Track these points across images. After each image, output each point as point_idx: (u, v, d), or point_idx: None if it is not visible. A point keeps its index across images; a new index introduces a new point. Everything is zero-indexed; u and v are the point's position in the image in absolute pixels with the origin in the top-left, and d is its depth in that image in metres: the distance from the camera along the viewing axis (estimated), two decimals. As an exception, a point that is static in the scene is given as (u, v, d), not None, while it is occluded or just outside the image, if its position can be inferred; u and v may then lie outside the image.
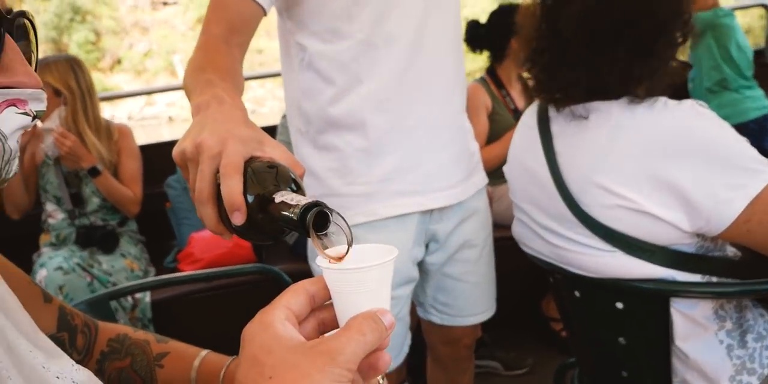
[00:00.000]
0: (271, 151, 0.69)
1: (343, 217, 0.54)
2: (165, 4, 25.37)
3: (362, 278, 0.50)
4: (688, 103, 1.09)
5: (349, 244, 0.54)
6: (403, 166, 1.30)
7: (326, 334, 0.51)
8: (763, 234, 1.04)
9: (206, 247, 2.45)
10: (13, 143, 0.54)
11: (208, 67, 0.95)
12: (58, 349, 0.75)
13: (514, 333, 2.64)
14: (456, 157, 1.38)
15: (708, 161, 1.04)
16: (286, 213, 0.57)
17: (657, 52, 1.09)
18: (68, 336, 0.88)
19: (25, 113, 0.54)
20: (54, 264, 2.18)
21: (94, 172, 2.36)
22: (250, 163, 0.66)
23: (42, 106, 0.56)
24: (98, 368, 0.92)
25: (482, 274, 1.53)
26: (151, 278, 2.39)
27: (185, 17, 25.89)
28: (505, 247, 2.19)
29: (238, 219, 0.62)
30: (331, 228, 0.55)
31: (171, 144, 3.11)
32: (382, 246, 0.54)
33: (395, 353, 1.44)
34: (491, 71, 2.67)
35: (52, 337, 0.80)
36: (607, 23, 1.08)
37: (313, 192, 1.32)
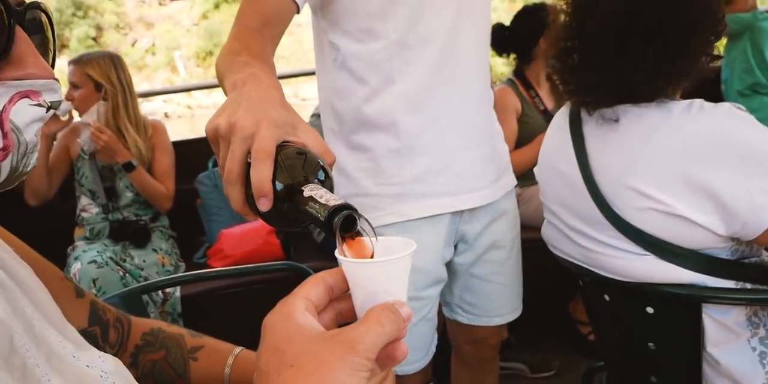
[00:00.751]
0: (305, 136, 0.69)
1: (369, 223, 0.54)
2: None
3: (380, 271, 0.51)
4: (726, 106, 1.07)
5: (373, 251, 0.54)
6: (435, 167, 1.31)
7: (346, 326, 0.51)
8: None
9: (236, 243, 2.48)
10: (29, 136, 0.55)
11: (243, 51, 0.94)
12: (86, 342, 0.77)
13: (541, 335, 2.62)
14: (486, 159, 1.38)
15: (744, 165, 1.02)
16: (313, 210, 0.56)
17: (687, 52, 1.07)
18: (100, 330, 0.89)
19: (39, 104, 0.54)
20: (88, 257, 2.23)
21: (128, 166, 2.41)
22: (281, 148, 0.66)
23: (56, 97, 0.56)
24: (132, 362, 0.94)
25: (509, 274, 1.53)
26: (182, 273, 2.43)
27: (191, 12, 26.03)
28: (533, 249, 2.18)
29: (264, 205, 0.62)
30: (360, 234, 0.55)
31: (203, 141, 3.15)
32: (402, 239, 0.54)
33: (423, 354, 1.44)
34: (519, 73, 2.65)
35: (84, 332, 0.82)
36: (637, 23, 1.06)
37: (344, 192, 1.33)
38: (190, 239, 2.78)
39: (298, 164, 0.64)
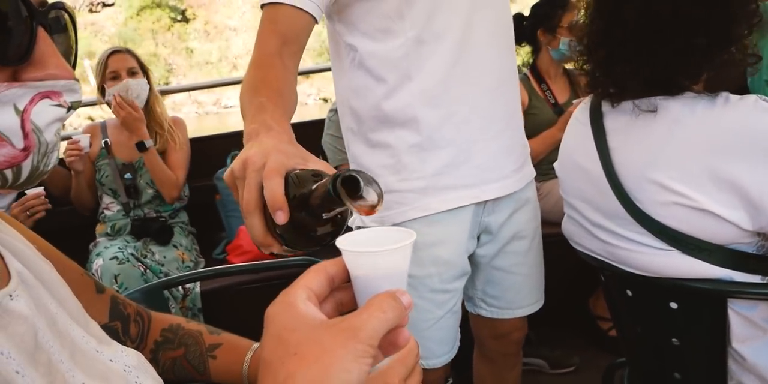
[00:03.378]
0: (315, 165, 0.72)
1: (375, 180, 0.60)
2: (104, 5, 25.39)
3: (380, 261, 0.52)
4: (752, 98, 1.05)
5: (380, 197, 0.60)
6: (456, 160, 1.31)
7: (349, 314, 0.51)
8: None
9: (254, 239, 2.49)
10: (50, 136, 0.55)
11: (261, 86, 0.99)
12: (107, 337, 0.77)
13: (561, 331, 2.61)
14: (507, 149, 1.38)
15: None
16: (321, 193, 0.62)
17: (726, 44, 1.05)
18: (121, 325, 0.90)
19: (60, 105, 0.55)
20: (109, 254, 2.25)
21: (141, 146, 2.44)
22: (292, 171, 0.69)
23: (76, 97, 0.57)
24: (153, 358, 0.94)
25: (531, 265, 1.54)
26: (203, 269, 2.44)
27: (117, 19, 25.98)
28: (553, 244, 2.17)
29: (281, 218, 0.65)
30: (366, 194, 0.60)
31: (221, 137, 3.17)
32: (403, 229, 0.56)
33: (449, 346, 1.45)
34: (533, 66, 2.65)
35: (106, 327, 0.83)
36: (681, 13, 1.04)
37: None
38: (210, 235, 2.80)
39: (310, 178, 0.67)
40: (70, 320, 0.71)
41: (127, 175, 2.56)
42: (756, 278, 1.10)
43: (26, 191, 2.29)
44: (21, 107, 0.51)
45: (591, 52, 1.16)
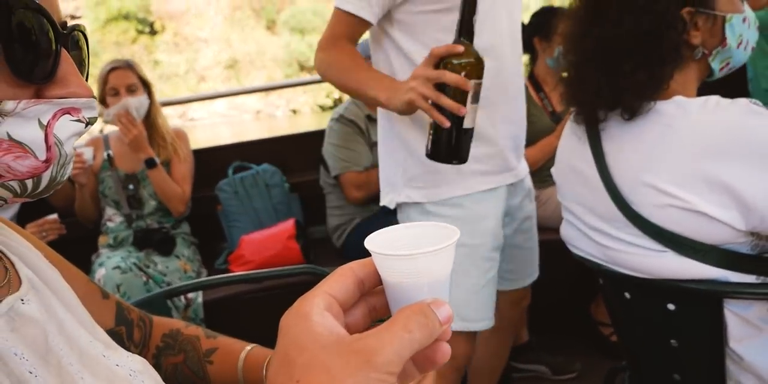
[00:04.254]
0: None
1: None
2: (72, 17, 25.49)
3: (415, 266, 0.45)
4: (743, 102, 1.07)
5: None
6: (490, 152, 1.56)
7: (369, 331, 0.45)
8: None
9: (256, 249, 2.51)
10: (69, 148, 0.58)
11: (351, 64, 1.49)
12: (113, 342, 0.79)
13: (563, 337, 2.61)
14: (519, 146, 1.68)
15: (762, 160, 1.03)
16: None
17: (665, 58, 1.11)
18: (125, 330, 0.92)
19: (79, 120, 0.58)
20: (112, 263, 2.27)
21: (151, 162, 2.46)
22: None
23: (94, 114, 0.60)
24: (155, 363, 0.96)
25: (534, 240, 1.86)
26: (205, 278, 2.46)
27: None
28: (553, 251, 2.18)
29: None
30: None
31: (223, 148, 3.19)
32: (444, 226, 0.49)
33: (491, 312, 1.62)
34: (530, 75, 2.69)
35: (111, 332, 0.84)
36: (617, 43, 1.13)
37: (416, 171, 1.57)
38: (211, 246, 2.82)
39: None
40: (78, 325, 0.73)
41: (130, 187, 2.58)
42: (751, 278, 1.12)
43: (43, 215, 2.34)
44: (45, 122, 0.55)
45: (569, 71, 1.21)
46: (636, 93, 1.13)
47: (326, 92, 21.15)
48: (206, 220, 2.80)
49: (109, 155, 2.63)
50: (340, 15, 1.47)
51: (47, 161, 0.56)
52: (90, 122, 0.60)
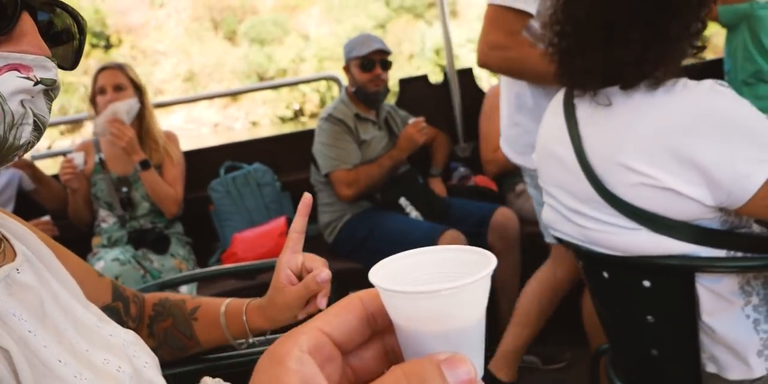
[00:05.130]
0: None
1: None
2: None
3: (430, 308, 0.34)
4: (708, 83, 1.12)
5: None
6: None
7: None
8: None
9: (248, 246, 2.55)
10: (14, 105, 0.58)
11: (531, 62, 1.64)
12: (106, 316, 0.83)
13: (552, 328, 2.65)
14: None
15: (728, 138, 1.08)
16: None
17: (671, 37, 1.13)
18: (122, 305, 0.97)
19: (27, 78, 0.59)
20: (111, 256, 2.32)
21: (145, 164, 2.50)
22: None
23: (49, 75, 0.61)
24: (149, 333, 1.01)
25: None
26: (199, 270, 2.49)
27: None
28: (542, 245, 2.24)
29: None
30: None
31: (214, 149, 3.23)
32: (479, 251, 0.37)
33: None
34: None
35: (108, 307, 0.89)
36: (620, 9, 1.13)
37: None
38: (205, 246, 2.86)
39: None
40: (71, 298, 0.78)
41: (123, 189, 2.62)
42: (721, 253, 1.17)
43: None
44: None
45: (556, 44, 1.24)
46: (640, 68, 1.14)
47: (286, 103, 20.94)
48: (199, 221, 2.83)
49: (100, 159, 2.66)
50: (508, 13, 1.62)
51: None
52: (43, 82, 0.60)
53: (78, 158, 2.54)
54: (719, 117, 1.09)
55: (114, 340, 0.78)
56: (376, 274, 0.37)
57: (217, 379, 0.97)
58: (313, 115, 20.15)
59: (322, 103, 20.32)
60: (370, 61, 2.56)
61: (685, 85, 1.14)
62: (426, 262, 0.39)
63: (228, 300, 1.02)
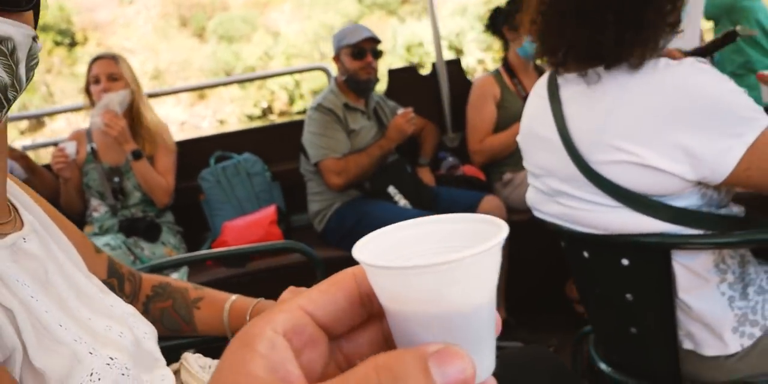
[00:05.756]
0: None
1: None
2: None
3: (423, 286, 0.29)
4: (689, 61, 1.15)
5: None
6: None
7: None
8: (762, 178, 1.10)
9: (239, 235, 2.57)
10: None
11: None
12: (107, 288, 0.86)
13: (539, 315, 2.70)
14: None
15: (708, 114, 1.10)
16: None
17: (644, 23, 1.16)
18: (117, 282, 0.99)
19: None
20: (102, 242, 2.35)
21: (137, 154, 2.52)
22: None
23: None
24: (144, 309, 1.03)
25: None
26: (190, 253, 2.50)
27: None
28: (528, 232, 2.27)
29: None
30: None
31: (204, 140, 3.25)
32: (491, 219, 0.32)
33: None
34: (504, 61, 2.80)
35: (104, 282, 0.91)
36: None
37: None
38: (195, 235, 2.88)
39: None
40: (75, 269, 0.80)
41: (115, 179, 2.63)
42: (698, 232, 1.20)
43: None
44: None
45: (539, 24, 1.26)
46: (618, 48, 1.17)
47: (254, 101, 20.74)
48: (190, 210, 2.85)
49: (92, 148, 2.68)
50: None
51: None
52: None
53: (70, 148, 2.56)
54: (701, 94, 1.11)
55: (115, 310, 0.81)
56: (361, 248, 0.31)
57: (198, 355, 1.00)
58: (282, 114, 19.82)
59: (291, 101, 20.04)
60: (361, 49, 2.59)
61: (667, 63, 1.16)
62: (427, 234, 0.33)
63: (234, 297, 1.03)
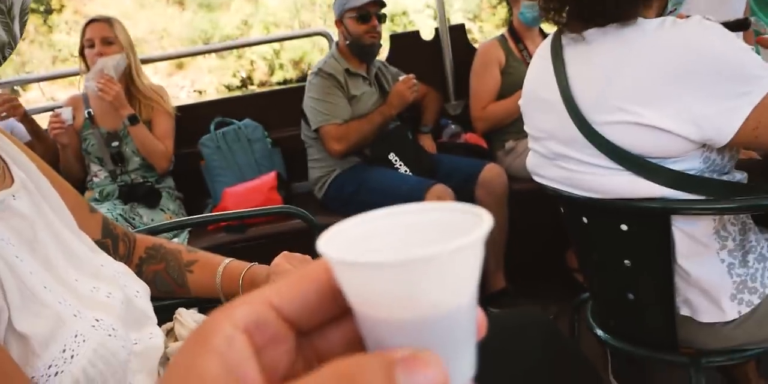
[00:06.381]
0: None
1: None
2: None
3: (393, 285, 0.25)
4: (696, 19, 1.11)
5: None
6: None
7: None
8: None
9: (239, 201, 2.56)
10: None
11: None
12: (97, 247, 0.85)
13: (538, 284, 2.70)
14: None
15: (714, 72, 1.07)
16: None
17: None
18: (111, 242, 0.98)
19: None
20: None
21: (133, 119, 2.50)
22: None
23: None
24: (137, 271, 1.02)
25: None
26: (188, 217, 2.50)
27: None
28: (528, 201, 2.26)
29: None
30: None
31: (205, 105, 3.23)
32: (472, 210, 0.29)
33: None
34: (510, 26, 2.75)
35: (97, 243, 0.90)
36: None
37: None
38: (196, 202, 2.87)
39: None
40: (65, 228, 0.79)
41: (114, 144, 2.62)
42: (699, 198, 1.18)
43: None
44: None
45: None
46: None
47: (232, 71, 20.39)
48: (190, 176, 2.84)
49: (89, 113, 2.66)
50: None
51: None
52: None
53: (66, 113, 2.54)
54: (707, 52, 1.08)
55: (105, 270, 0.80)
56: (327, 239, 0.28)
57: (192, 311, 0.99)
58: (262, 84, 19.44)
59: (271, 71, 19.71)
60: (366, 12, 2.54)
61: (674, 21, 1.12)
62: (398, 226, 0.30)
63: (227, 260, 1.01)
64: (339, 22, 2.62)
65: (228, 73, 20.35)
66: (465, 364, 0.28)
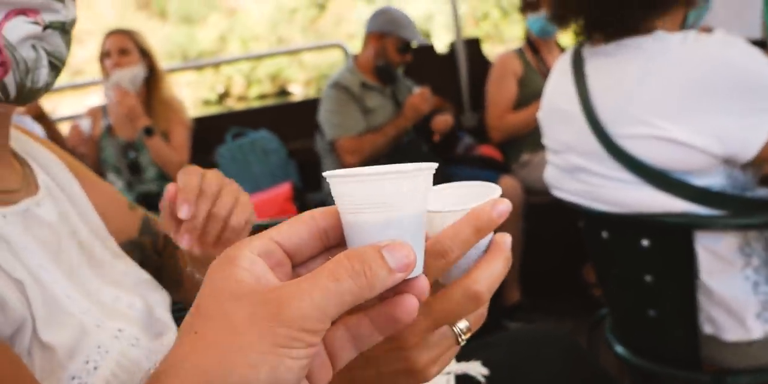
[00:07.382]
0: None
1: None
2: None
3: (376, 192, 0.37)
4: (719, 34, 1.11)
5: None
6: None
7: (293, 280, 0.37)
8: None
9: (254, 211, 2.56)
10: (25, 52, 0.57)
11: None
12: (123, 253, 0.83)
13: (554, 299, 2.67)
14: None
15: (739, 88, 1.06)
16: None
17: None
18: (151, 241, 0.95)
19: (35, 22, 0.57)
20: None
21: (149, 131, 2.50)
22: None
23: (58, 17, 0.60)
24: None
25: None
26: None
27: None
28: (545, 214, 2.24)
29: None
30: None
31: (221, 116, 3.24)
32: (422, 166, 0.39)
33: None
34: (528, 39, 2.76)
35: (133, 242, 0.88)
36: None
37: None
38: (211, 211, 2.87)
39: None
40: (90, 234, 0.78)
41: (130, 154, 2.63)
42: (720, 214, 1.16)
43: None
44: None
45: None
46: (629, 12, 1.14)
47: (210, 85, 20.37)
48: (205, 186, 2.84)
49: (108, 124, 2.68)
50: None
51: (2, 65, 0.56)
52: (52, 26, 0.59)
53: (84, 124, 2.56)
54: (730, 67, 1.07)
55: (127, 278, 0.79)
56: (330, 172, 0.38)
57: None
58: (241, 98, 19.39)
59: (249, 85, 19.69)
60: (407, 46, 2.59)
61: (697, 37, 1.12)
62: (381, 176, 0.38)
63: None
64: (377, 39, 2.62)
65: (205, 88, 20.36)
66: (419, 258, 0.38)
